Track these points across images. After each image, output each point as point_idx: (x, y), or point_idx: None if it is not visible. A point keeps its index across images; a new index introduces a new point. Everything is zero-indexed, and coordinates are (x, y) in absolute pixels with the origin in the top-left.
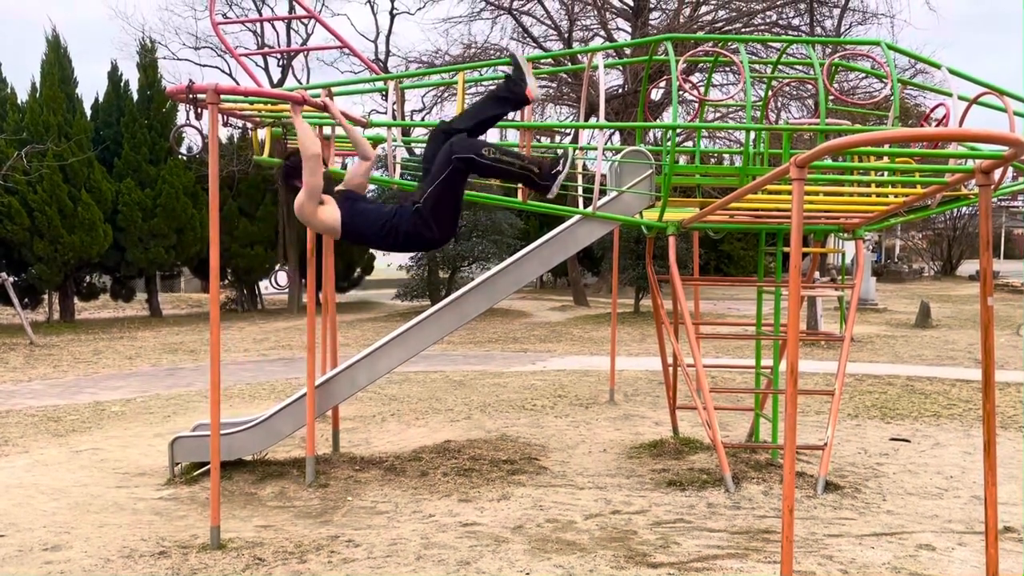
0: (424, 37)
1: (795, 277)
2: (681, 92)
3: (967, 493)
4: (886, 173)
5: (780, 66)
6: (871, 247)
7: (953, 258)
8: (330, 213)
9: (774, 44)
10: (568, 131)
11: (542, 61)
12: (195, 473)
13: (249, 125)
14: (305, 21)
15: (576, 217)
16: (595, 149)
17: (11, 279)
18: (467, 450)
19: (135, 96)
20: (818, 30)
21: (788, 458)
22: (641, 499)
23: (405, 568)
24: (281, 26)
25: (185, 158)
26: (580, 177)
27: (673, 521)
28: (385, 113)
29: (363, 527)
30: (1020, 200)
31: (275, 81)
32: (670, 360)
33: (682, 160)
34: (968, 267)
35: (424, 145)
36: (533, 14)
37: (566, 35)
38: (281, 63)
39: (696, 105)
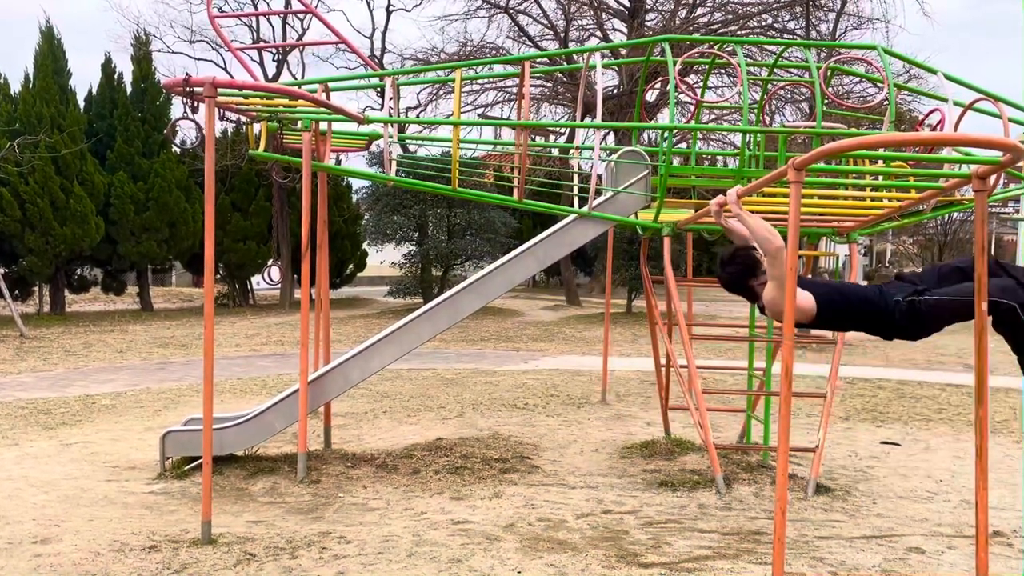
0: (420, 34)
1: (791, 279)
2: (677, 93)
3: (957, 497)
4: (881, 177)
5: (776, 69)
6: (862, 251)
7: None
8: (806, 297)
9: (770, 47)
10: (563, 130)
11: (538, 60)
12: (186, 468)
13: (244, 119)
14: (301, 16)
15: (571, 216)
16: (591, 149)
17: (2, 271)
18: (459, 448)
19: (129, 89)
20: (813, 34)
21: (781, 460)
22: (632, 499)
23: (396, 565)
24: (277, 21)
25: (179, 152)
26: (576, 177)
27: (664, 521)
28: (380, 109)
29: (355, 524)
30: (1011, 206)
31: (270, 76)
32: (663, 361)
33: (677, 161)
34: None
35: (417, 141)
36: (529, 13)
37: (562, 35)
38: (276, 58)
39: (692, 107)
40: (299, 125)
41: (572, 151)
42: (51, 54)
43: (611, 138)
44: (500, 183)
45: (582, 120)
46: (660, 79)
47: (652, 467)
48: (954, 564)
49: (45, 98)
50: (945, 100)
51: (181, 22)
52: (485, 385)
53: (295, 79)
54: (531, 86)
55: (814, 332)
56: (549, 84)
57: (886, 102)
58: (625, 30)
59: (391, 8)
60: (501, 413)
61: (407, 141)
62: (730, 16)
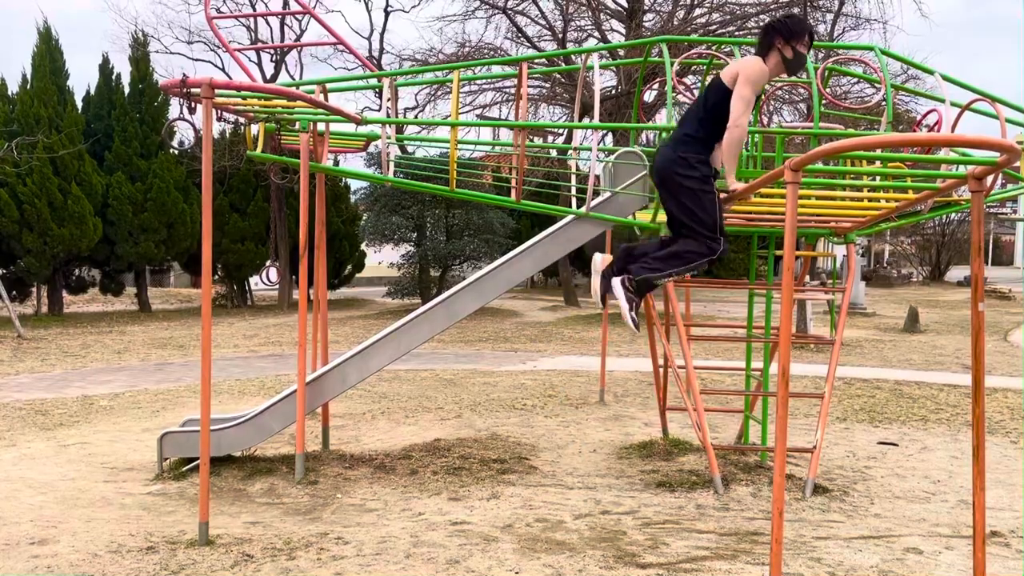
0: (418, 35)
1: (788, 280)
2: (675, 94)
3: (954, 497)
4: (878, 178)
5: None
6: (860, 251)
7: (941, 263)
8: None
9: None
10: (561, 131)
11: (536, 61)
12: (183, 469)
13: (242, 120)
14: (299, 17)
15: (569, 217)
16: (589, 149)
17: None
18: (457, 449)
19: (127, 89)
20: None
21: (778, 460)
22: (630, 500)
23: (394, 566)
24: (275, 21)
25: (176, 152)
26: (574, 177)
27: (662, 522)
28: (378, 110)
29: (352, 524)
30: (1009, 207)
31: (268, 77)
32: (661, 361)
33: None
34: (956, 272)
35: (415, 142)
36: (527, 14)
37: (560, 35)
38: (274, 59)
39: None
40: (297, 126)
41: (570, 152)
42: (49, 55)
43: (609, 139)
44: (498, 184)
45: (580, 121)
46: (658, 80)
47: (650, 468)
48: (952, 564)
49: (43, 99)
50: (942, 100)
51: (179, 23)
52: (483, 386)
53: (293, 80)
54: (529, 87)
55: (812, 333)
56: (547, 85)
57: (883, 102)
58: (623, 31)
59: (389, 9)
60: (499, 414)
61: (405, 142)
62: (728, 17)
